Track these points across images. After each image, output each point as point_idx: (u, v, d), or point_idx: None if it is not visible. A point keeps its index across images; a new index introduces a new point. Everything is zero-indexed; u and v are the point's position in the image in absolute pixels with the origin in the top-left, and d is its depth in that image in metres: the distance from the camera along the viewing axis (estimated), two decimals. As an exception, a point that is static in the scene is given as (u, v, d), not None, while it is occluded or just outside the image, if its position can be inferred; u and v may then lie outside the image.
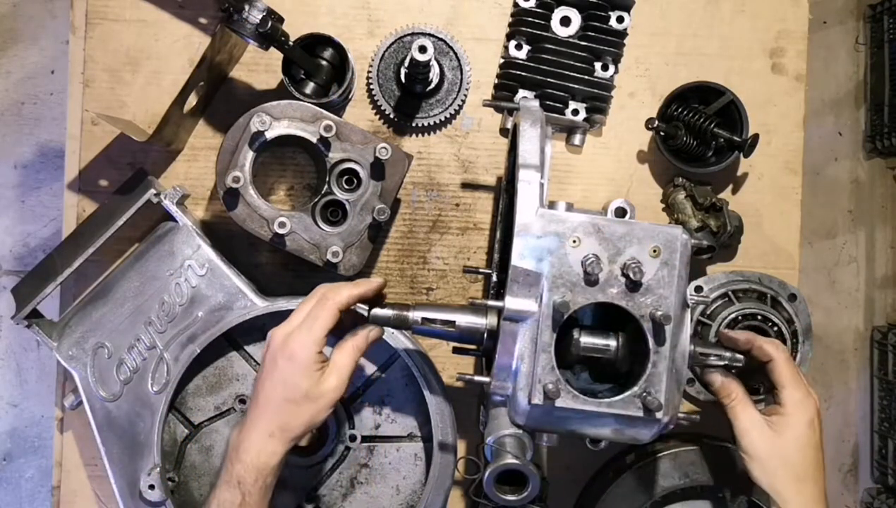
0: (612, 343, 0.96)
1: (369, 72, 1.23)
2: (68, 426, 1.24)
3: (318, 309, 0.97)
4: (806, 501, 0.98)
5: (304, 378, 0.95)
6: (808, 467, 0.98)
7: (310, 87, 1.17)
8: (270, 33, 1.08)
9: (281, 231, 1.07)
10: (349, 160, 1.10)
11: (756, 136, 1.18)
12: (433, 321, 0.99)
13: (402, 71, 1.21)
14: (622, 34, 1.22)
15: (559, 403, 0.90)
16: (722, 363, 1.02)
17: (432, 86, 1.21)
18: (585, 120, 1.22)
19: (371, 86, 1.23)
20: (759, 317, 1.18)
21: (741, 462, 1.01)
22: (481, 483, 0.93)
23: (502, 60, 1.24)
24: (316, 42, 1.17)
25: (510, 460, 0.91)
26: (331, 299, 0.97)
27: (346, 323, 1.00)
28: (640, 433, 0.94)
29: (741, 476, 1.15)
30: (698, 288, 1.20)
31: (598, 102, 1.22)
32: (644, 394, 0.91)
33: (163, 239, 1.15)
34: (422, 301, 1.26)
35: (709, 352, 1.01)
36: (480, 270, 1.22)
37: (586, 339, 0.96)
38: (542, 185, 0.95)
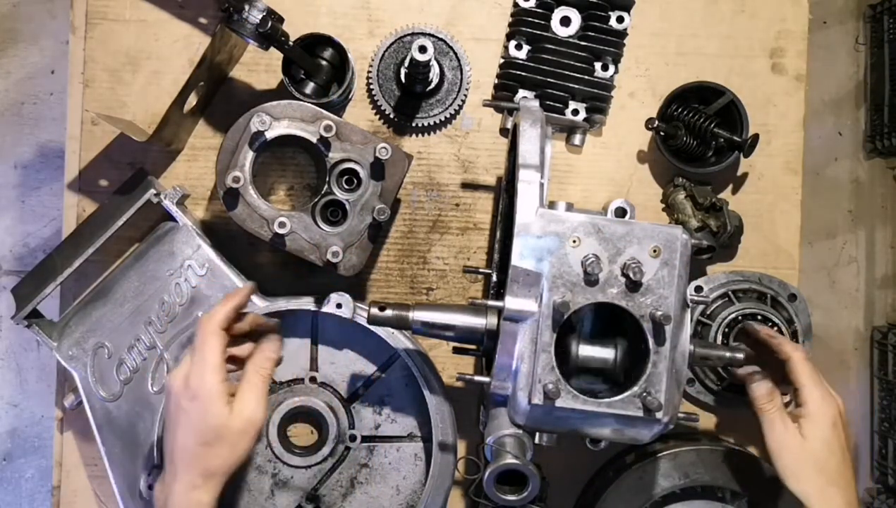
0: (610, 356, 0.97)
1: (369, 72, 1.23)
2: (68, 426, 1.24)
3: (200, 339, 0.92)
4: (839, 504, 0.97)
5: (214, 415, 0.89)
6: (836, 469, 0.98)
7: (310, 87, 1.17)
8: (270, 33, 1.08)
9: (281, 231, 1.07)
10: (349, 160, 1.10)
11: (756, 136, 1.18)
12: (433, 321, 0.99)
13: (402, 71, 1.21)
14: (622, 34, 1.22)
15: (559, 403, 0.90)
16: (722, 362, 1.02)
17: (432, 86, 1.21)
18: (585, 120, 1.22)
19: (371, 86, 1.23)
20: (759, 317, 1.18)
21: (772, 465, 1.01)
22: (481, 483, 0.93)
23: (502, 60, 1.24)
24: (316, 42, 1.17)
25: (510, 460, 0.91)
26: (207, 324, 0.93)
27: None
28: (640, 433, 0.94)
29: (741, 477, 1.15)
30: (698, 288, 1.20)
31: (598, 102, 1.22)
32: (644, 394, 0.91)
33: (163, 239, 1.14)
34: (422, 301, 1.26)
35: (709, 352, 1.01)
36: (480, 270, 1.22)
37: (584, 353, 0.97)
38: (542, 185, 0.95)
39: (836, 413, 1.00)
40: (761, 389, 1.03)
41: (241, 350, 0.99)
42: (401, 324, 1.00)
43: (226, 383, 0.91)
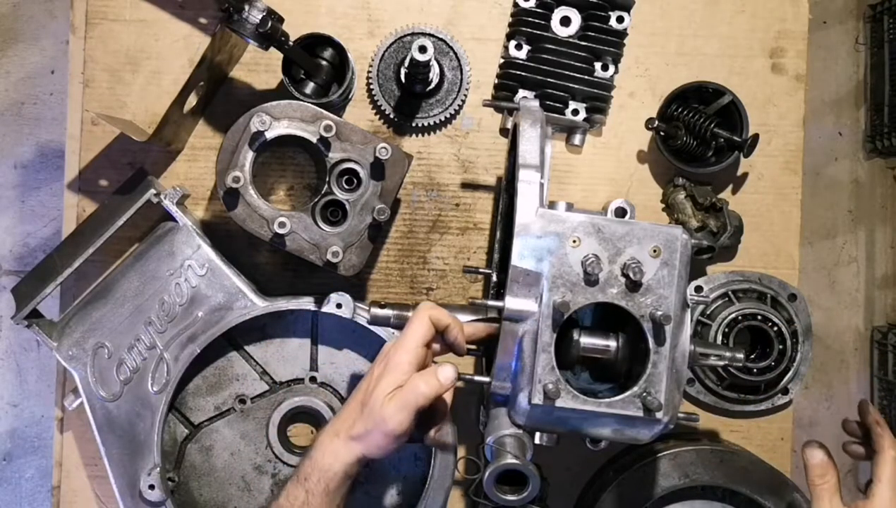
0: (612, 343, 0.97)
1: (369, 72, 1.23)
2: (68, 426, 1.24)
3: (411, 319, 0.95)
4: None
5: (384, 387, 0.91)
6: None
7: (310, 87, 1.18)
8: (270, 33, 1.08)
9: (281, 231, 1.07)
10: (349, 160, 1.10)
11: (756, 136, 1.18)
12: (433, 321, 0.99)
13: (402, 71, 1.21)
14: (622, 34, 1.22)
15: (559, 403, 0.90)
16: (722, 362, 1.02)
17: (432, 86, 1.21)
18: (585, 120, 1.22)
19: (371, 86, 1.23)
20: (759, 317, 1.18)
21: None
22: (481, 483, 0.92)
23: (502, 60, 1.24)
24: (316, 42, 1.17)
25: (510, 460, 0.91)
26: (424, 310, 0.95)
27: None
28: (640, 433, 0.94)
29: (741, 477, 1.15)
30: (698, 288, 1.20)
31: (598, 102, 1.22)
32: (644, 394, 0.91)
33: (163, 239, 1.14)
34: (422, 301, 1.25)
35: (709, 352, 1.01)
36: (480, 270, 1.22)
37: (586, 340, 0.96)
38: (542, 185, 0.95)
39: None
40: (815, 459, 1.00)
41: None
42: (401, 324, 1.00)
43: (413, 370, 0.92)
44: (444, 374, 0.93)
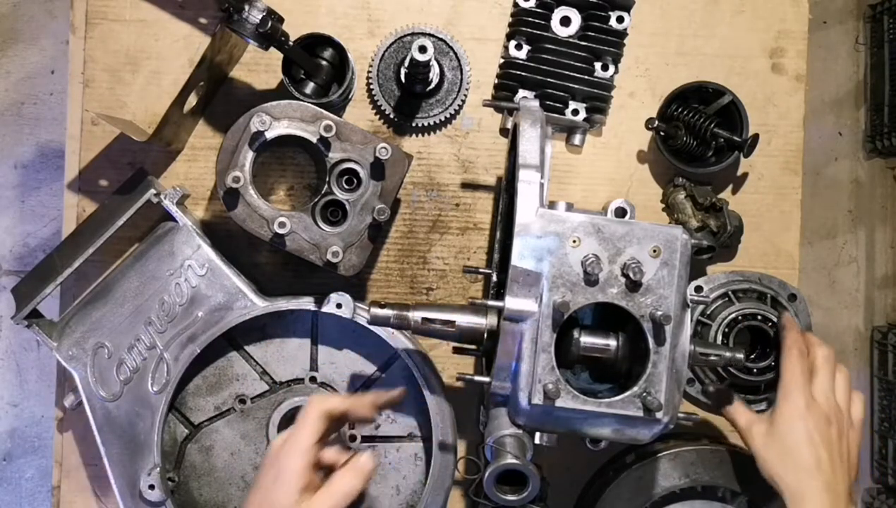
0: (612, 343, 0.97)
1: (369, 72, 1.23)
2: (68, 426, 1.24)
3: (303, 416, 0.91)
4: (814, 493, 0.96)
5: (285, 496, 0.86)
6: (813, 460, 0.97)
7: (310, 87, 1.18)
8: (270, 33, 1.08)
9: (281, 231, 1.07)
10: (349, 160, 1.10)
11: (756, 136, 1.18)
12: (433, 321, 1.00)
13: (402, 71, 1.21)
14: (622, 34, 1.22)
15: (559, 403, 0.90)
16: (722, 362, 1.02)
17: (432, 86, 1.21)
18: (585, 120, 1.22)
19: (371, 86, 1.23)
20: (759, 317, 1.18)
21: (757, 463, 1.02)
22: (481, 483, 0.93)
23: (502, 60, 1.24)
24: (316, 42, 1.17)
25: (510, 460, 0.91)
26: (317, 405, 0.91)
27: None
28: (640, 433, 0.94)
29: (741, 477, 1.16)
30: (698, 288, 1.20)
31: (598, 102, 1.22)
32: (644, 394, 0.91)
33: (163, 239, 1.15)
34: (422, 301, 1.26)
35: (709, 352, 1.01)
36: (480, 270, 1.22)
37: (586, 339, 0.97)
38: (542, 185, 0.95)
39: (803, 404, 0.99)
40: (713, 393, 1.06)
41: (332, 455, 0.96)
42: (401, 324, 1.00)
43: (309, 472, 0.88)
44: (364, 463, 0.91)
